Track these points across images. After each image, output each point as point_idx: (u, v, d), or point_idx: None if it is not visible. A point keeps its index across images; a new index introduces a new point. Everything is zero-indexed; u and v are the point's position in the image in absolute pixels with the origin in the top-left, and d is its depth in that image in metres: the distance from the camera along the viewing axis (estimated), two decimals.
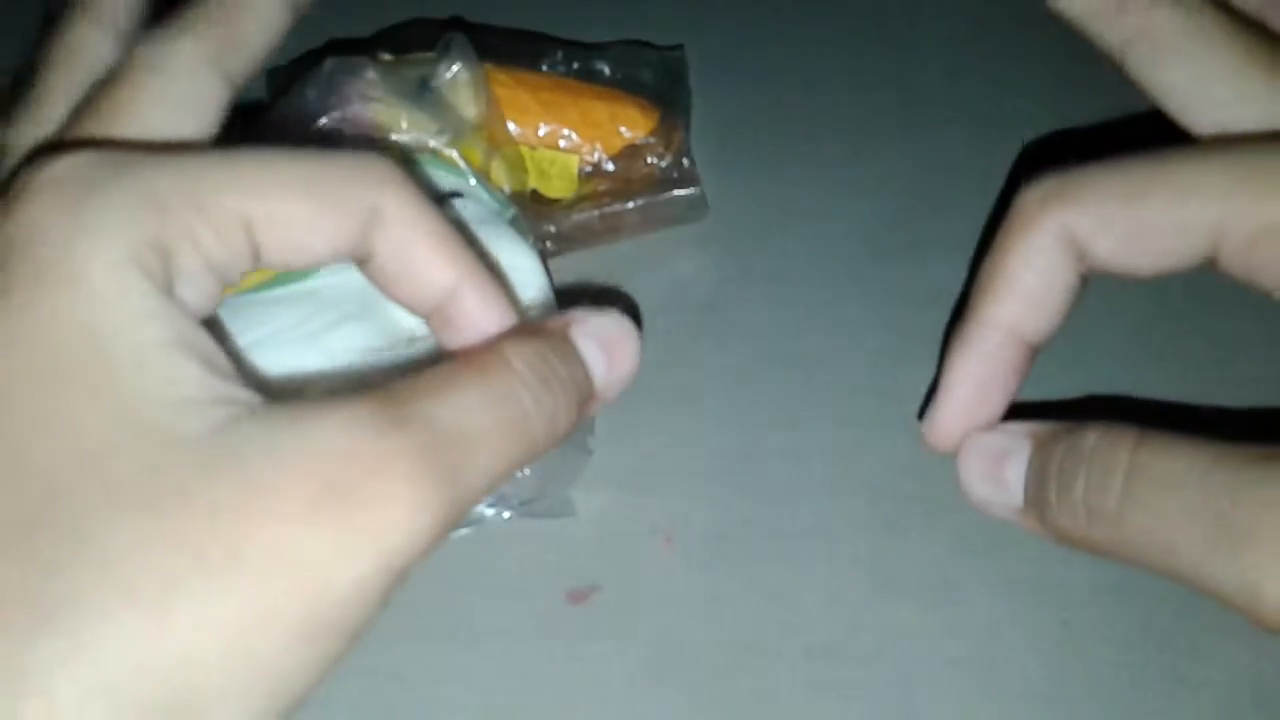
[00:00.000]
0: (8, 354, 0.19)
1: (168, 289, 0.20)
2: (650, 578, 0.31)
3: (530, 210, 0.36)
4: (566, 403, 0.22)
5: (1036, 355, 0.25)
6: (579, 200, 0.39)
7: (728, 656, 0.29)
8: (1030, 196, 0.25)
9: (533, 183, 0.39)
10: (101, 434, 0.18)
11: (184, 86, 0.24)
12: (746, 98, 0.44)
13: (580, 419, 0.23)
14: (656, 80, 0.42)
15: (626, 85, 0.41)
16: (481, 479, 0.20)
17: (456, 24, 0.46)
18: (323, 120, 0.35)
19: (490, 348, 0.22)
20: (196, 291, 0.21)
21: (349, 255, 0.22)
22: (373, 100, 0.35)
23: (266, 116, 0.40)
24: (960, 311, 0.26)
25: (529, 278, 0.32)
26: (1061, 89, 0.45)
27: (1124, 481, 0.22)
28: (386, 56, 0.37)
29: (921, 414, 0.27)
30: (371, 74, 0.36)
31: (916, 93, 0.45)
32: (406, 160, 0.31)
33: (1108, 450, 0.22)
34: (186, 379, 0.19)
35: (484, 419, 0.20)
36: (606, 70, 0.41)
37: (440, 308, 0.23)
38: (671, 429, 0.34)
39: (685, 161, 0.39)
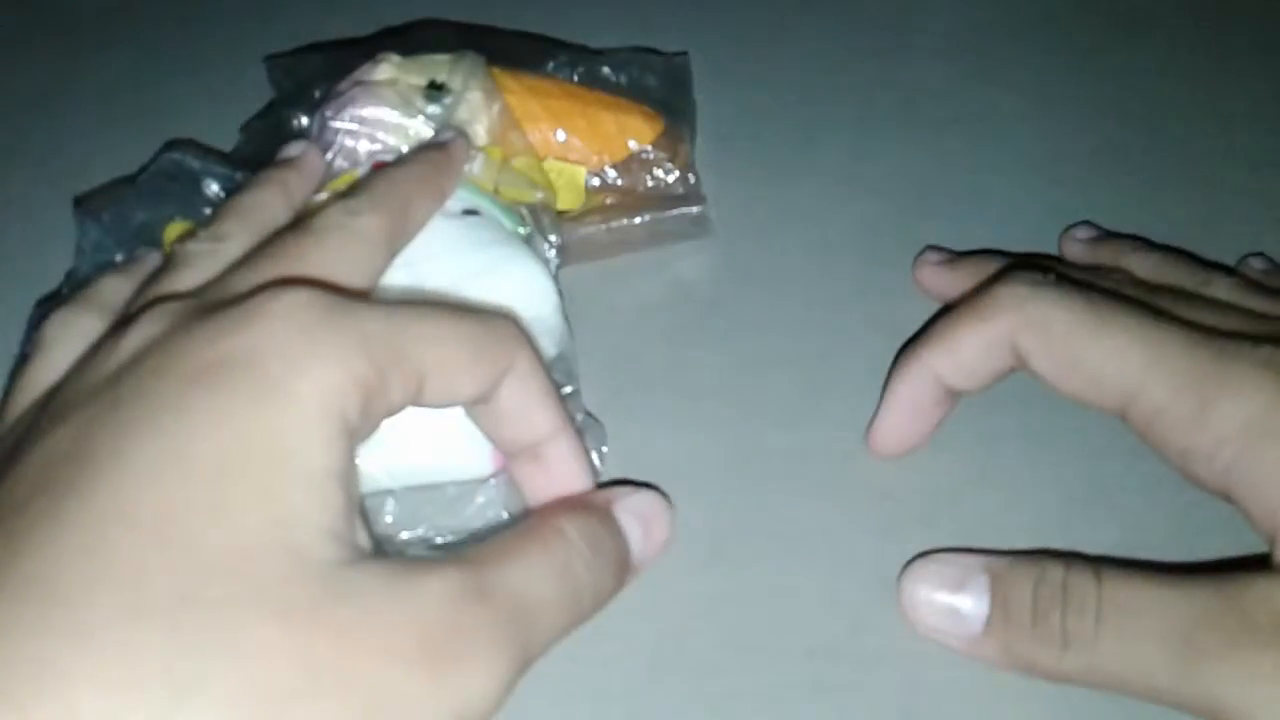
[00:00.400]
0: (215, 440, 0.21)
1: (353, 423, 0.22)
2: (650, 578, 0.31)
3: (548, 219, 0.36)
4: (610, 574, 0.26)
5: (958, 398, 0.32)
6: (585, 213, 0.38)
7: (728, 656, 0.29)
8: (1008, 293, 0.30)
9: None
10: (259, 535, 0.20)
11: (361, 252, 0.28)
12: (747, 99, 0.44)
13: (618, 588, 0.26)
14: (661, 85, 0.42)
15: (632, 90, 0.41)
16: (541, 645, 0.23)
17: (463, 25, 0.46)
18: (334, 127, 0.35)
19: (550, 520, 0.25)
20: (368, 428, 0.23)
21: (481, 398, 0.26)
22: (382, 106, 0.35)
23: (273, 117, 0.40)
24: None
25: (542, 297, 0.32)
26: (1062, 89, 0.45)
27: (1097, 610, 0.25)
28: (395, 57, 0.37)
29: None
30: (381, 76, 0.36)
31: (916, 93, 0.45)
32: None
33: (1077, 582, 0.26)
34: (337, 510, 0.21)
35: (548, 592, 0.23)
36: (612, 75, 0.41)
37: (531, 448, 0.28)
38: (672, 429, 0.34)
39: (691, 178, 0.39)
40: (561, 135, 0.38)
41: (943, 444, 0.33)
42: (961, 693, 0.28)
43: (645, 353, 0.36)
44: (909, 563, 0.29)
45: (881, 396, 0.32)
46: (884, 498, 0.32)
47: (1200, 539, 0.30)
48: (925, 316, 0.36)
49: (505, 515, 0.31)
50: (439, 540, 0.31)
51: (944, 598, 0.28)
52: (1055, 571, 0.26)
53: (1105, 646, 0.25)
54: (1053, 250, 0.38)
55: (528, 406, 0.27)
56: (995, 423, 0.34)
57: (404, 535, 0.30)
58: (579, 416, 0.32)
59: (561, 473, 0.29)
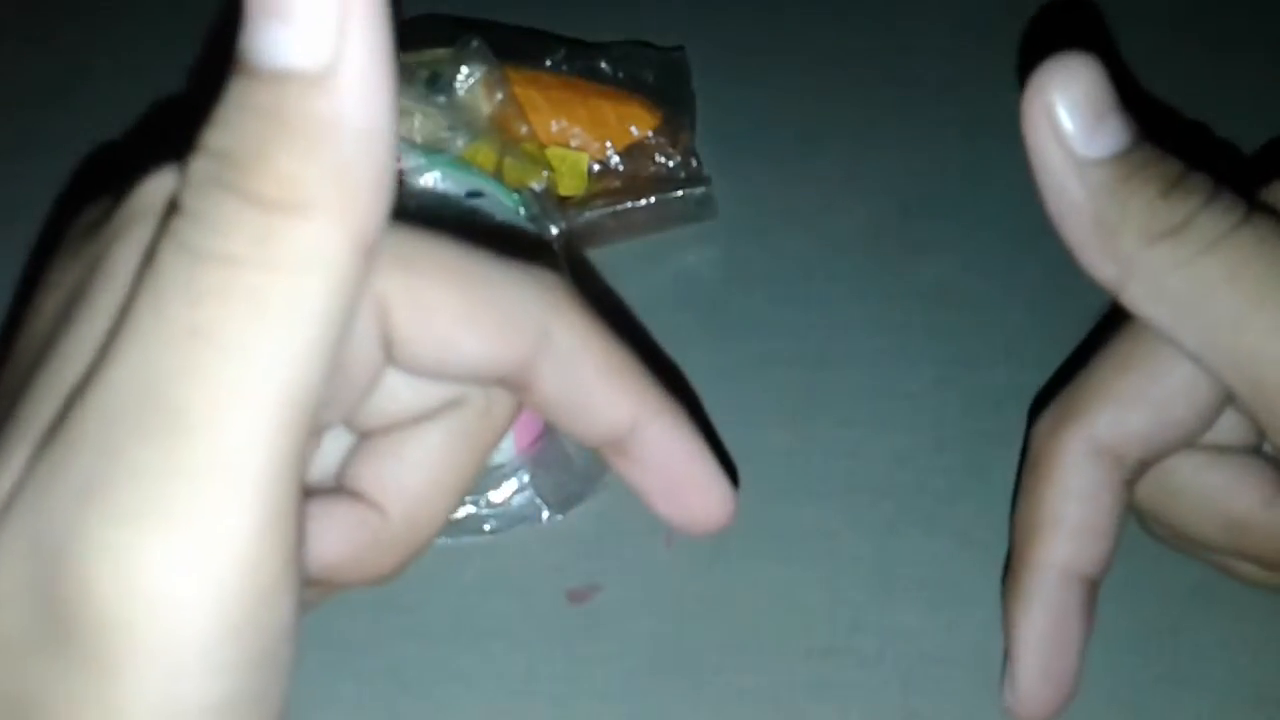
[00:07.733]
0: None
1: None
2: (650, 578, 0.31)
3: (551, 205, 0.36)
4: None
5: (1098, 590, 0.24)
6: (589, 198, 0.39)
7: (728, 656, 0.30)
8: (1042, 430, 0.24)
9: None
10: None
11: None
12: (747, 98, 0.44)
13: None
14: (658, 80, 0.42)
15: (629, 85, 0.41)
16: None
17: (463, 20, 0.45)
18: None
19: None
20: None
21: (507, 376, 0.20)
22: None
23: None
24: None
25: None
26: None
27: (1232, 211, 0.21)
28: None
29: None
30: None
31: (916, 93, 0.45)
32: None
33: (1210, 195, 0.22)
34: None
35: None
36: (609, 70, 0.41)
37: (615, 442, 0.21)
38: None
39: (693, 161, 0.39)
40: (563, 124, 0.38)
41: (943, 444, 0.33)
42: (961, 692, 0.29)
43: (645, 351, 0.37)
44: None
45: (1008, 644, 0.25)
46: (884, 498, 0.32)
47: None
48: (926, 316, 0.36)
49: (536, 500, 0.31)
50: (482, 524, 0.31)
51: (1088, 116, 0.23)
52: (1196, 176, 0.22)
53: (1203, 264, 0.21)
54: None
55: (585, 389, 0.20)
56: (995, 423, 0.34)
57: None
58: None
59: (661, 471, 0.21)
